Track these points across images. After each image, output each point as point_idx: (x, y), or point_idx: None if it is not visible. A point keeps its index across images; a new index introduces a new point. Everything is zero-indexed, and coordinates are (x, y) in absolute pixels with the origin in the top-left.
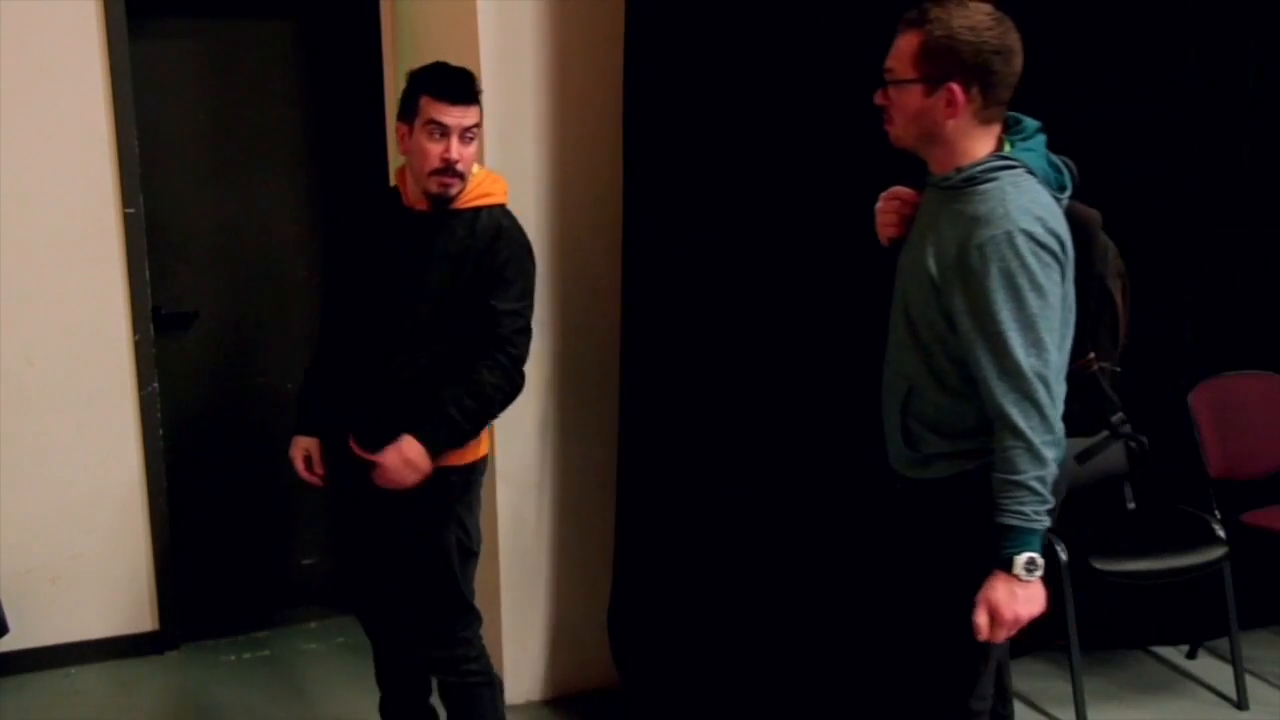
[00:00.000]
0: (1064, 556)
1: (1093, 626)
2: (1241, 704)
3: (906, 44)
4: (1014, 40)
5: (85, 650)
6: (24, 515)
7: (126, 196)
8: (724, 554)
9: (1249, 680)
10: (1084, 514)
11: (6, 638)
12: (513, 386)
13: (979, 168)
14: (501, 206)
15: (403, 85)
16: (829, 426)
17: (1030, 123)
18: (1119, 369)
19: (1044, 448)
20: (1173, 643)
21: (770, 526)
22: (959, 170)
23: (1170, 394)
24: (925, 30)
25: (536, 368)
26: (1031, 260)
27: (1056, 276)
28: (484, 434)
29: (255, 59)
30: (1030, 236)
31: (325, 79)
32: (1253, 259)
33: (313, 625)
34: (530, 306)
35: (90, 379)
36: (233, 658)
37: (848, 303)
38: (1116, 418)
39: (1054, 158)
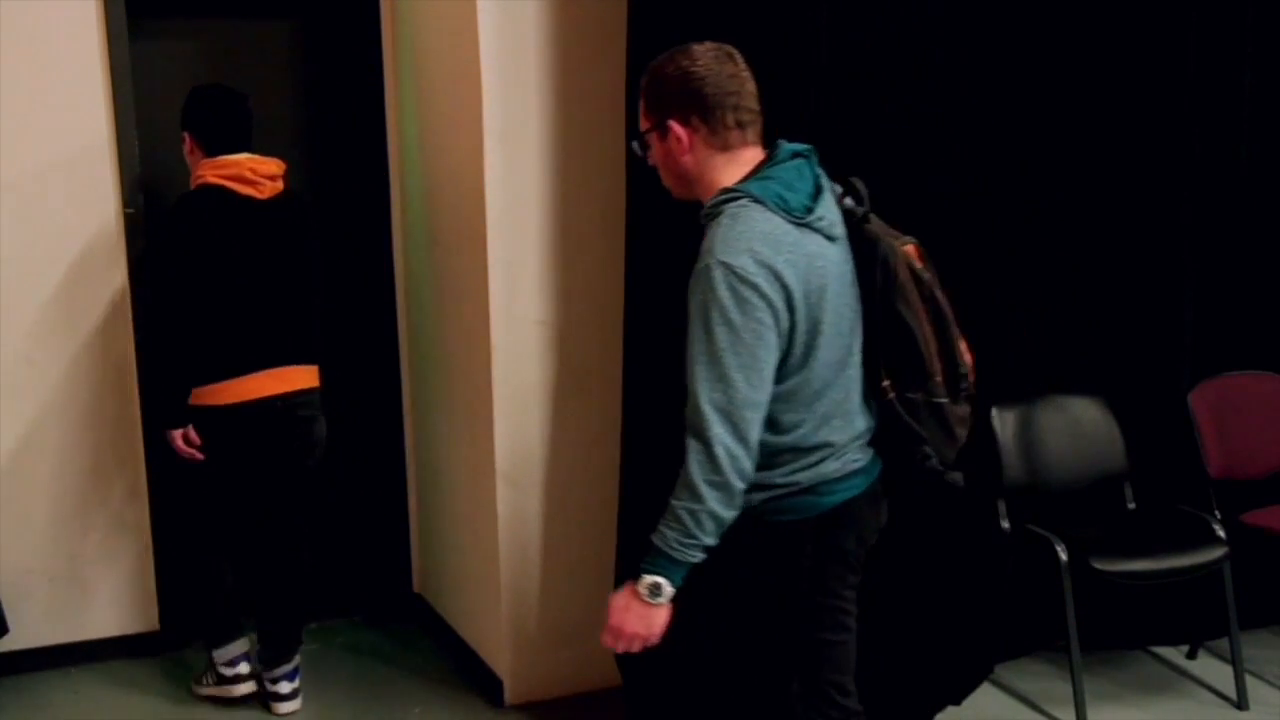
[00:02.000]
0: (1064, 556)
1: (1093, 626)
2: (1241, 704)
3: (641, 101)
4: (724, 65)
5: (85, 650)
6: (23, 515)
7: (126, 196)
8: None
9: (1249, 680)
10: (1084, 514)
11: (6, 638)
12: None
13: (710, 203)
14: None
15: (402, 85)
16: None
17: (786, 148)
18: (942, 400)
19: (704, 486)
20: (1173, 643)
21: None
22: (703, 207)
23: (1170, 394)
24: (643, 82)
25: (538, 366)
26: (725, 294)
27: (762, 315)
28: (229, 383)
29: (255, 59)
30: (730, 269)
31: (325, 79)
32: (1253, 258)
33: (313, 625)
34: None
35: (90, 379)
36: None
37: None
38: (920, 453)
39: (824, 180)
